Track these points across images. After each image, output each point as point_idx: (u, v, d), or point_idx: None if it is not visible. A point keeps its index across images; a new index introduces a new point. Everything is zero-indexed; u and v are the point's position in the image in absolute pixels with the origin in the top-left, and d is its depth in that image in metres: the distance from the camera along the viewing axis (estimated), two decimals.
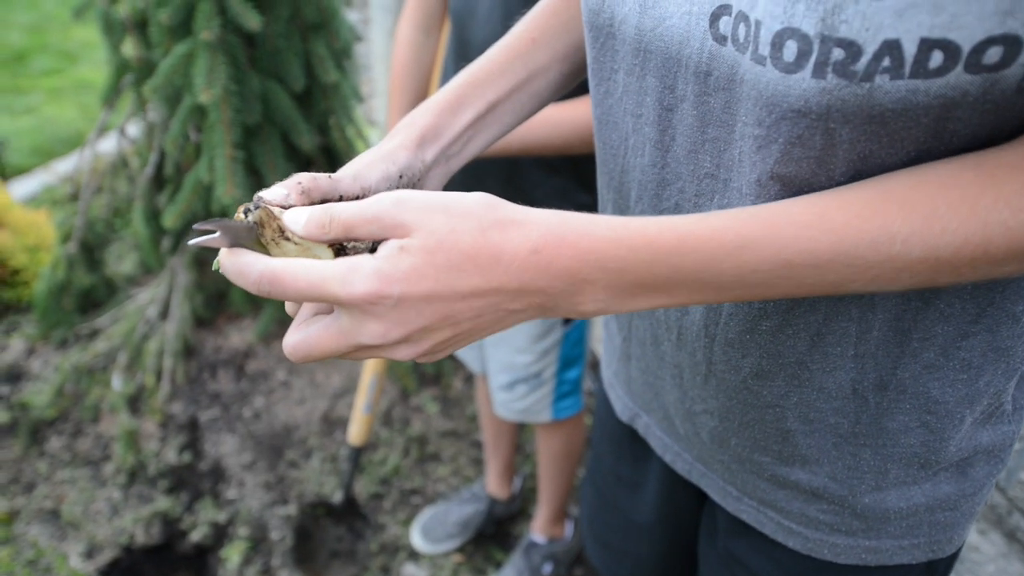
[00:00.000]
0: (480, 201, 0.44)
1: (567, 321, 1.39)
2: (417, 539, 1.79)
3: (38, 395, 2.05)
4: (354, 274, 0.41)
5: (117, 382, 2.04)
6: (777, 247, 0.43)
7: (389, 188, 0.55)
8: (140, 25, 1.58)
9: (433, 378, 2.23)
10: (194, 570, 1.74)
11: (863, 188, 0.44)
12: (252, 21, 1.30)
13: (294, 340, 0.46)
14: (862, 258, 0.42)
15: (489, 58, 0.65)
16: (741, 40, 0.45)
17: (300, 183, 0.49)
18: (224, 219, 0.47)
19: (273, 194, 0.48)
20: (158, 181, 2.00)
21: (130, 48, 1.59)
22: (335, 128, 1.79)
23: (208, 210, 1.66)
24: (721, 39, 0.46)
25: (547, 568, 1.72)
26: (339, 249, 0.46)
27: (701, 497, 0.82)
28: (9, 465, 1.91)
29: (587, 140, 1.05)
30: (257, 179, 1.60)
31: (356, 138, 1.75)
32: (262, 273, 0.43)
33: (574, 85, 0.69)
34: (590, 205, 1.20)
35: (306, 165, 1.92)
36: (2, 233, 2.39)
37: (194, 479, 1.90)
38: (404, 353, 0.45)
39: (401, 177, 0.56)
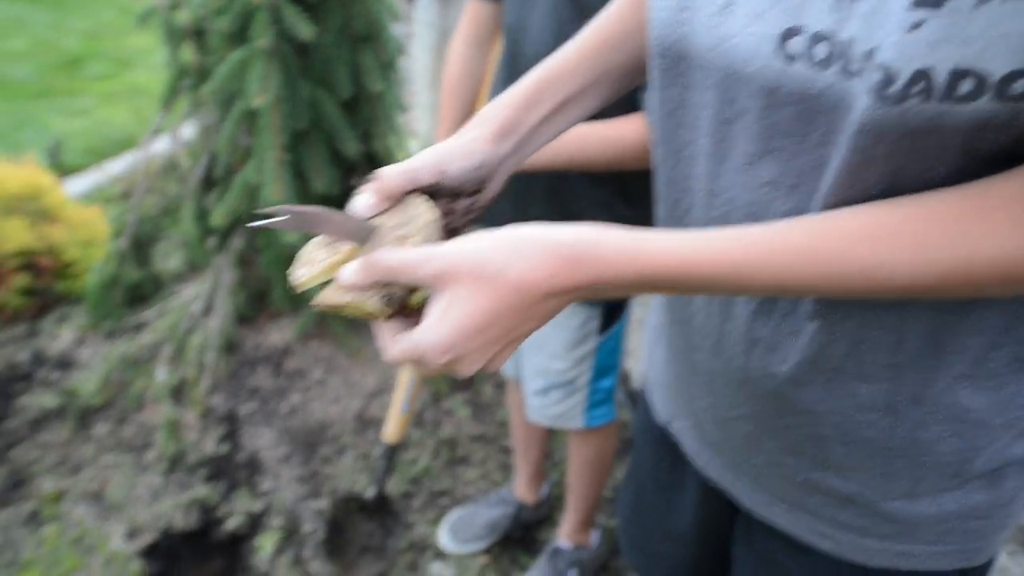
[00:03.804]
0: (503, 243, 0.50)
1: (603, 330, 1.41)
2: (445, 539, 1.82)
3: (86, 383, 2.14)
4: (427, 350, 0.51)
5: (161, 373, 2.12)
6: (772, 272, 0.48)
7: (466, 177, 0.59)
8: (198, 33, 1.65)
9: (465, 382, 2.27)
10: (228, 557, 1.79)
11: (859, 216, 0.48)
12: (306, 31, 1.36)
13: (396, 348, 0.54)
14: (850, 282, 0.47)
15: (563, 57, 0.68)
16: (819, 59, 0.48)
17: (379, 188, 0.55)
18: (332, 210, 0.54)
19: (359, 206, 0.55)
20: (207, 182, 2.08)
21: (188, 54, 1.67)
22: (377, 136, 1.85)
23: (254, 211, 1.72)
24: (791, 58, 0.50)
25: (572, 574, 1.74)
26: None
27: (733, 508, 0.83)
28: (57, 448, 1.99)
29: (634, 157, 1.08)
30: (302, 182, 1.67)
31: (396, 147, 1.81)
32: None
33: (637, 85, 0.72)
34: (630, 217, 1.23)
35: (349, 171, 1.99)
36: (57, 228, 2.49)
37: (231, 469, 1.96)
38: (479, 365, 0.53)
39: (479, 168, 0.60)
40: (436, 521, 1.88)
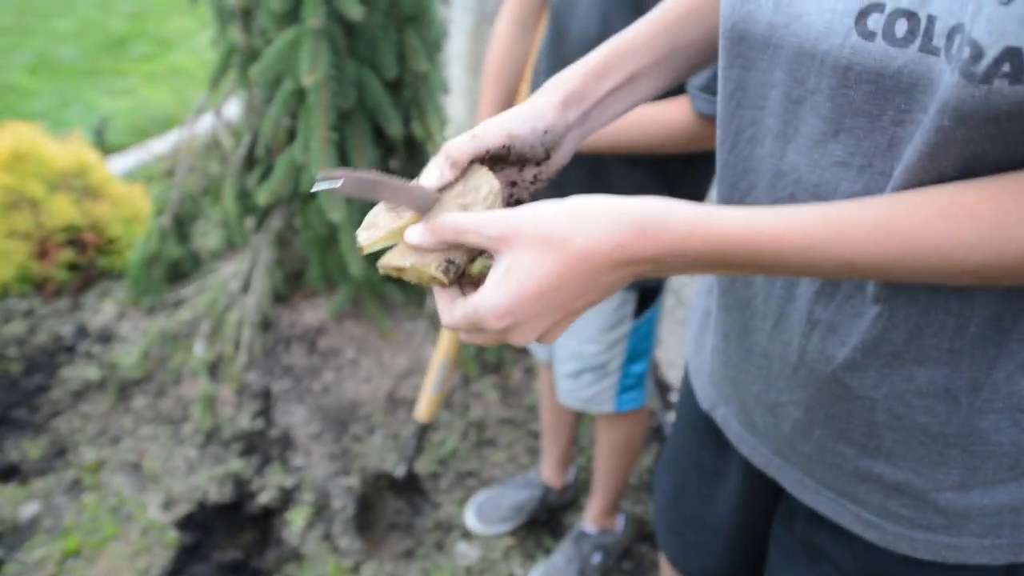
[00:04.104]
0: (571, 210, 0.50)
1: (637, 314, 1.42)
2: (471, 519, 1.84)
3: (126, 356, 2.19)
4: (487, 313, 0.51)
5: (199, 349, 2.17)
6: (843, 249, 0.47)
7: (535, 141, 0.59)
8: (246, 12, 1.68)
9: (494, 366, 2.29)
10: (261, 529, 1.83)
11: (935, 194, 0.46)
12: (355, 11, 1.38)
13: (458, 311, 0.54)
14: (924, 262, 0.46)
15: (636, 30, 0.67)
16: (899, 36, 0.47)
17: (448, 157, 0.55)
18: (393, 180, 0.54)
19: (430, 178, 0.55)
20: (249, 161, 2.12)
21: (236, 33, 1.70)
22: (417, 118, 1.87)
23: (298, 190, 1.75)
24: (869, 35, 0.49)
25: (596, 558, 1.75)
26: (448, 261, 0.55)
27: (778, 488, 0.83)
28: (98, 419, 2.04)
29: (675, 141, 1.08)
30: (345, 162, 1.69)
31: (438, 129, 1.82)
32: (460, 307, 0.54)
33: (711, 65, 0.71)
34: None
35: (389, 152, 2.01)
36: (101, 205, 2.55)
37: (265, 445, 2.00)
38: (535, 335, 0.53)
39: (546, 132, 0.60)
40: (463, 502, 1.90)
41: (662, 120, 1.07)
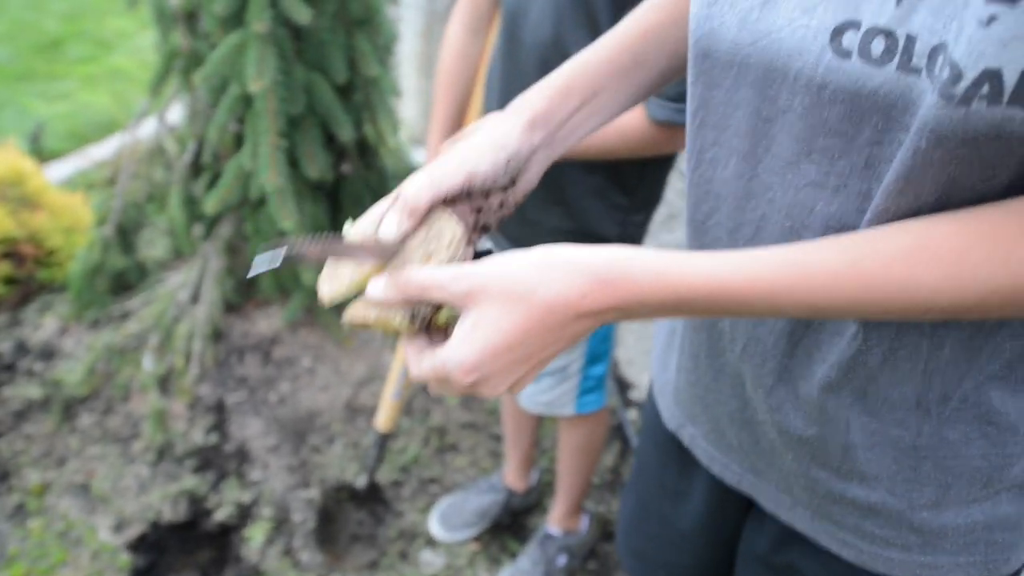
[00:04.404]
0: (535, 262, 0.50)
1: None
2: (435, 527, 1.82)
3: (70, 373, 2.11)
4: (454, 368, 0.51)
5: (148, 363, 2.10)
6: (806, 295, 0.47)
7: (496, 174, 0.58)
8: (189, 16, 1.63)
9: None
10: (218, 548, 1.78)
11: (899, 234, 0.46)
12: (302, 14, 1.34)
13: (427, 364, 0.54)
14: (888, 303, 0.46)
15: (600, 46, 0.66)
16: (876, 55, 0.46)
17: (405, 206, 0.54)
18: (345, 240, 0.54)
19: (389, 229, 0.54)
20: (195, 168, 2.06)
21: (178, 37, 1.65)
22: (368, 121, 1.84)
23: (247, 196, 1.70)
24: (845, 53, 0.48)
25: (561, 560, 1.75)
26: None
27: (747, 508, 0.82)
28: (42, 440, 1.96)
29: (629, 147, 1.09)
30: (295, 168, 1.65)
31: (391, 132, 1.79)
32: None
33: (677, 79, 0.69)
34: (625, 205, 1.23)
35: (340, 156, 1.97)
36: (39, 215, 2.45)
37: (220, 460, 1.94)
38: (504, 388, 0.53)
39: (509, 162, 0.58)
40: (426, 509, 1.88)
41: (618, 125, 1.07)
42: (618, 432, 2.13)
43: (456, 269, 0.51)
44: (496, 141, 0.58)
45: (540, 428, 2.04)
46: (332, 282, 0.55)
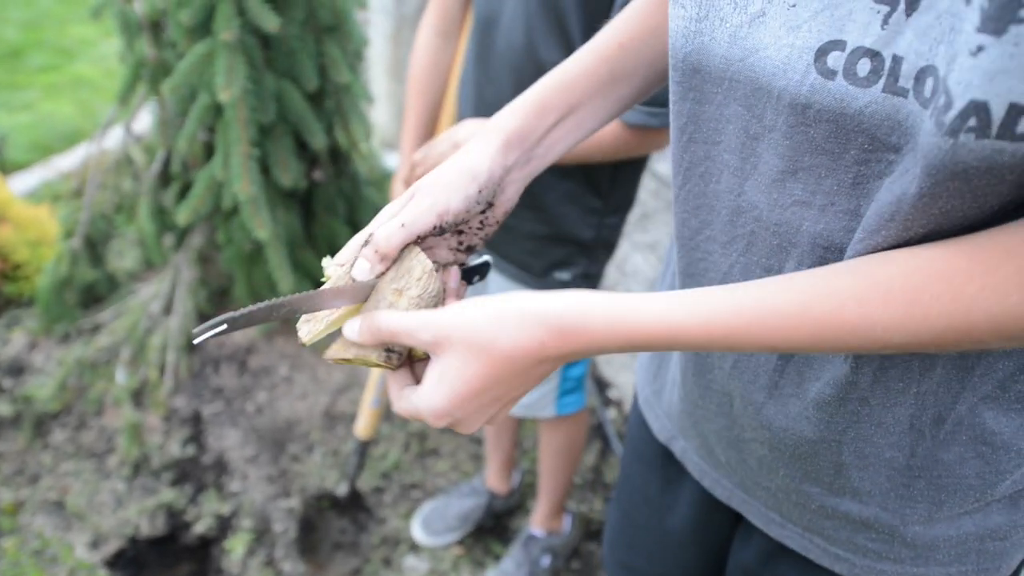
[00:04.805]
0: (492, 313, 0.51)
1: None
2: (418, 532, 1.82)
3: (41, 388, 2.07)
4: (426, 414, 0.54)
5: (121, 376, 2.07)
6: (761, 336, 0.48)
7: (470, 206, 0.59)
8: (155, 25, 1.61)
9: None
10: (199, 560, 1.76)
11: (852, 274, 0.46)
12: (271, 22, 1.33)
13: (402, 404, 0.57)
14: (842, 342, 0.46)
15: (575, 61, 0.65)
16: (861, 75, 0.46)
17: (377, 251, 0.56)
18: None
19: (361, 273, 0.56)
20: (164, 177, 2.03)
21: (145, 46, 1.62)
22: (341, 128, 1.83)
23: (219, 206, 1.68)
24: (829, 73, 0.48)
25: (545, 561, 1.76)
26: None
27: (735, 520, 0.82)
28: (13, 457, 1.92)
29: (602, 151, 1.10)
30: (268, 177, 1.64)
31: (363, 138, 1.79)
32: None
33: (656, 91, 0.69)
34: (600, 208, 1.24)
35: (313, 163, 1.96)
36: (4, 228, 2.40)
37: (198, 472, 1.92)
38: (478, 426, 0.56)
39: (481, 191, 0.59)
40: (408, 515, 1.88)
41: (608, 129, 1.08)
42: (598, 431, 2.14)
43: (423, 317, 0.53)
44: (467, 170, 0.58)
45: (521, 429, 2.04)
46: (311, 323, 0.57)
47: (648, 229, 2.03)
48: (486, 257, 0.66)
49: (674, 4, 0.56)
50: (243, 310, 0.53)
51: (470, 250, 0.63)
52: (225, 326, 0.53)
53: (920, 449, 0.58)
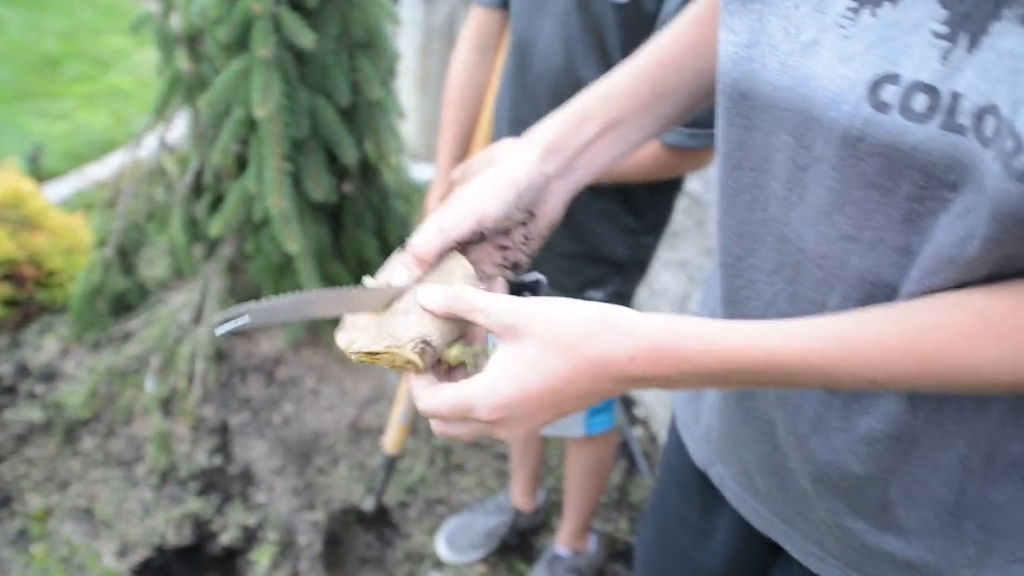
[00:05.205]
0: (585, 314, 0.49)
1: None
2: (442, 548, 1.81)
3: (72, 395, 2.09)
4: (482, 403, 0.50)
5: (150, 384, 2.08)
6: (863, 368, 0.45)
7: (508, 212, 0.57)
8: (192, 40, 1.63)
9: None
10: (224, 572, 1.77)
11: (958, 310, 0.44)
12: (306, 39, 1.34)
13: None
14: (949, 380, 0.44)
15: (618, 76, 0.65)
16: (917, 110, 0.45)
17: (415, 256, 0.54)
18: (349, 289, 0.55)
19: (399, 278, 0.55)
20: (197, 189, 2.05)
21: (182, 61, 1.65)
22: (372, 142, 1.84)
23: (250, 218, 1.70)
24: (884, 107, 0.46)
25: None
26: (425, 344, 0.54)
27: (773, 550, 0.79)
28: (44, 463, 1.95)
29: (641, 171, 1.10)
30: (299, 190, 1.65)
31: (395, 153, 1.79)
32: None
33: (701, 108, 0.68)
34: (636, 228, 1.23)
35: (342, 176, 1.97)
36: (39, 236, 2.44)
37: (224, 482, 1.93)
38: (520, 432, 0.52)
39: (520, 196, 0.58)
40: (433, 530, 1.87)
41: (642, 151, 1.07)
42: (624, 450, 2.12)
43: (506, 299, 0.50)
44: (506, 176, 0.58)
45: (546, 446, 2.03)
46: (350, 332, 0.55)
47: (677, 247, 2.01)
48: (538, 276, 0.64)
49: (724, 29, 0.55)
50: (265, 301, 0.50)
51: (516, 267, 0.62)
52: (248, 318, 0.50)
53: (970, 486, 0.56)
